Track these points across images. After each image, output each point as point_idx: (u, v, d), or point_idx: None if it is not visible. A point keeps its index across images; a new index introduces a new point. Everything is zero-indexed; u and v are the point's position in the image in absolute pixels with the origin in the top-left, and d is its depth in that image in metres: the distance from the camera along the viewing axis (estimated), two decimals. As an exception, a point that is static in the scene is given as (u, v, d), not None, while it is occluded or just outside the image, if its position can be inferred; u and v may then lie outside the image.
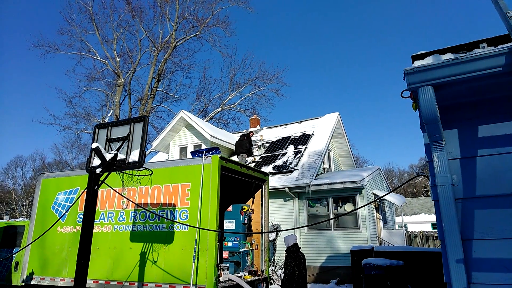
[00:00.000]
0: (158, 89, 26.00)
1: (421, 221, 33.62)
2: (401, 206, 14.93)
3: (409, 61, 2.89)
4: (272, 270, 12.29)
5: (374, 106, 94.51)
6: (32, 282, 8.16)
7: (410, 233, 21.25)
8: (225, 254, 8.48)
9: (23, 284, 8.31)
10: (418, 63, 2.74)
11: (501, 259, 2.48)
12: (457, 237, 2.53)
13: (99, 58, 25.46)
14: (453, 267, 2.50)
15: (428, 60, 2.72)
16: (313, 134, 16.66)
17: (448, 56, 2.66)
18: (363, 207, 12.32)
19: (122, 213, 7.73)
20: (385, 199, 14.43)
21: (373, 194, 13.67)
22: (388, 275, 8.36)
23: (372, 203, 13.58)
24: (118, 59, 25.34)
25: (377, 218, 13.85)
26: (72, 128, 27.32)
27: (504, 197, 2.56)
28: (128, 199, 7.36)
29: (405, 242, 15.96)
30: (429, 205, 36.38)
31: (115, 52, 25.48)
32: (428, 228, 31.09)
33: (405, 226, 30.06)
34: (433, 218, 32.77)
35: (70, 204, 8.09)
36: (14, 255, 9.00)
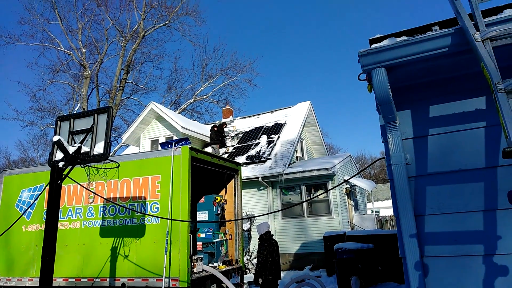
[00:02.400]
0: (127, 81, 25.33)
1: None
2: (371, 191, 15.38)
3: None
4: (247, 259, 12.41)
5: (346, 94, 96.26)
6: (-2, 283, 7.89)
7: (381, 217, 21.98)
8: (199, 245, 8.47)
9: (-12, 286, 8.01)
10: (374, 46, 2.80)
11: (451, 232, 2.61)
12: (410, 213, 2.65)
13: (64, 49, 24.49)
14: (407, 242, 2.62)
15: (384, 43, 2.79)
16: (285, 123, 16.80)
17: (402, 38, 2.74)
18: (333, 190, 12.61)
19: (90, 209, 7.55)
20: (356, 185, 14.81)
21: (344, 180, 13.99)
22: (359, 258, 8.63)
23: (344, 190, 13.91)
24: (84, 50, 24.46)
25: (349, 204, 14.22)
26: (37, 123, 26.30)
27: (453, 173, 2.69)
28: (94, 193, 7.20)
29: (376, 226, 16.50)
30: (400, 190, 37.60)
31: (80, 42, 24.56)
32: (399, 212, 32.18)
33: (377, 211, 31.00)
34: (403, 202, 33.94)
35: (34, 201, 7.82)
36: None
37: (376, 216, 19.52)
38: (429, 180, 2.73)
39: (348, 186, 14.28)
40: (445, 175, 2.69)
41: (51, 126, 25.83)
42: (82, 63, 24.29)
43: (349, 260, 8.65)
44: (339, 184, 8.41)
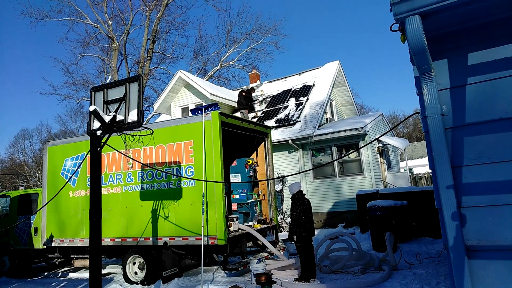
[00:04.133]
0: (154, 51, 25.44)
1: (427, 164, 33.84)
2: (404, 149, 15.04)
3: None
4: (280, 218, 12.76)
5: (376, 53, 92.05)
6: (53, 244, 8.63)
7: (415, 175, 21.61)
8: (234, 206, 8.78)
9: (45, 246, 8.79)
10: (407, -7, 2.65)
11: (489, 182, 2.56)
12: (447, 165, 2.60)
13: (91, 23, 24.75)
14: (444, 193, 2.60)
15: None
16: (314, 85, 16.46)
17: None
18: (365, 149, 12.47)
19: (129, 174, 7.95)
20: (388, 144, 14.53)
21: (376, 138, 13.74)
22: (392, 215, 8.64)
23: (376, 149, 13.70)
24: (110, 22, 24.61)
25: (381, 162, 14.04)
26: (73, 97, 27.26)
27: (493, 122, 2.59)
28: (132, 158, 7.54)
29: (410, 184, 16.28)
30: (434, 147, 36.50)
31: (106, 15, 24.68)
32: (433, 170, 31.43)
33: (411, 170, 30.41)
34: (438, 160, 33.00)
35: (76, 169, 8.32)
36: (32, 221, 9.43)
37: (410, 174, 19.21)
38: (467, 130, 2.65)
39: (380, 145, 14.04)
40: (484, 124, 2.60)
41: (86, 99, 26.75)
42: (110, 35, 24.53)
43: (382, 217, 8.68)
44: (371, 142, 8.29)
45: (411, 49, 2.57)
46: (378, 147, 13.91)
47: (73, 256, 8.71)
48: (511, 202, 2.51)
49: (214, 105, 7.62)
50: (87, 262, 8.53)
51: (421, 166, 33.67)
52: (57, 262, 9.28)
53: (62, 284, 8.25)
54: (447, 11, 2.52)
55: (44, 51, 70.59)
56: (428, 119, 2.69)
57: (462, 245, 2.50)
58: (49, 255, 9.00)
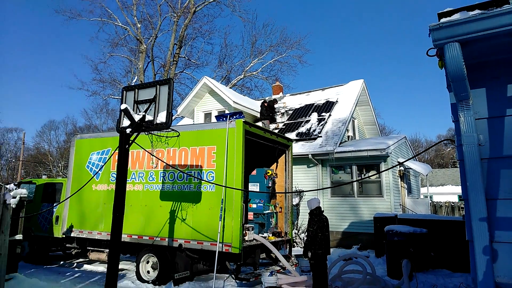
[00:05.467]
0: (180, 56, 26.00)
1: (448, 192, 33.05)
2: (426, 175, 14.72)
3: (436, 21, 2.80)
4: (295, 233, 12.64)
5: (401, 74, 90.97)
6: (72, 234, 8.84)
7: (435, 203, 21.04)
8: (250, 215, 8.79)
9: (64, 236, 9.01)
10: (446, 19, 2.65)
11: (524, 217, 2.49)
12: (481, 196, 2.55)
13: (120, 24, 25.57)
14: (476, 225, 2.54)
15: (455, 17, 2.64)
16: (337, 101, 16.41)
17: (476, 12, 2.57)
18: (386, 171, 12.27)
19: (151, 173, 8.09)
20: (410, 168, 14.27)
21: (398, 163, 13.52)
22: (410, 242, 8.43)
23: (397, 172, 13.47)
24: (139, 25, 25.37)
25: (401, 186, 13.78)
26: (100, 94, 28.08)
27: (533, 156, 2.53)
28: (158, 158, 7.68)
29: (430, 212, 15.87)
30: (456, 176, 35.52)
31: (135, 18, 25.49)
32: (454, 199, 30.58)
33: (431, 197, 29.66)
34: (459, 189, 32.09)
35: (103, 163, 8.53)
36: (54, 210, 9.69)
37: (430, 201, 18.73)
38: (503, 162, 2.60)
39: (402, 168, 13.80)
40: (522, 158, 2.55)
41: (112, 97, 27.51)
42: (138, 37, 25.27)
43: (400, 243, 8.49)
44: (394, 166, 8.17)
45: (449, 75, 2.56)
46: (400, 171, 13.67)
47: (89, 248, 8.89)
48: (546, 240, 2.44)
49: (239, 113, 7.71)
50: (102, 256, 8.67)
51: (441, 194, 32.81)
52: (73, 253, 9.47)
53: (76, 275, 8.40)
54: (486, 40, 2.51)
55: (75, 49, 73.33)
56: (464, 148, 2.66)
57: (491, 281, 2.43)
58: (67, 245, 9.22)
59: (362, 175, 13.09)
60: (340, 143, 13.64)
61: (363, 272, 7.15)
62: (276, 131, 15.90)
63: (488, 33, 2.46)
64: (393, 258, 8.45)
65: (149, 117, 5.19)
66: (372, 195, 12.69)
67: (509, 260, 2.49)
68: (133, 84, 26.14)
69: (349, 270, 7.70)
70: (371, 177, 12.81)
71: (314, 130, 14.79)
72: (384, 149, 12.26)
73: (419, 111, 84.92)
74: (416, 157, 19.96)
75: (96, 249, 8.78)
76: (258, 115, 16.39)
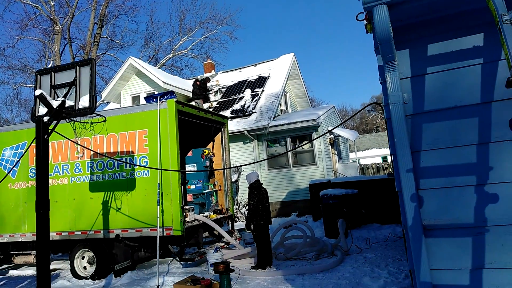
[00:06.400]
0: (102, 36, 24.04)
1: (373, 155, 35.96)
2: (354, 140, 15.73)
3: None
4: (236, 209, 12.78)
5: (327, 46, 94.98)
6: (-10, 240, 7.90)
7: (363, 165, 22.74)
8: (189, 197, 8.63)
9: (-20, 243, 8.02)
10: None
11: (444, 165, 2.74)
12: (407, 149, 2.74)
13: (30, 3, 22.76)
14: (404, 176, 2.74)
15: None
16: (269, 76, 16.58)
17: None
18: (317, 140, 12.86)
19: (77, 165, 7.47)
20: (339, 135, 15.10)
21: (328, 130, 14.22)
22: (343, 203, 9.02)
23: (328, 140, 14.17)
24: (52, 3, 22.78)
25: (332, 153, 14.56)
26: (9, 83, 25.18)
27: (449, 110, 2.77)
28: (84, 146, 7.08)
29: (359, 174, 17.10)
30: (379, 140, 38.73)
31: (48, -5, 22.86)
32: (379, 160, 33.39)
33: (359, 160, 31.98)
34: (383, 152, 35.13)
35: (19, 159, 7.65)
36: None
37: (358, 165, 20.17)
38: (425, 117, 2.81)
39: (332, 136, 14.54)
40: (441, 112, 2.77)
41: (24, 85, 24.73)
42: (52, 17, 22.72)
43: (334, 205, 9.03)
44: (324, 134, 8.55)
45: (377, 37, 2.65)
46: (330, 138, 14.39)
47: (13, 252, 8.04)
48: (462, 184, 2.71)
49: (170, 93, 7.37)
50: (29, 258, 7.92)
51: (368, 157, 35.55)
52: (-6, 260, 8.50)
53: (1, 283, 7.59)
54: (412, 2, 2.63)
55: (-27, 31, 63.66)
56: (391, 106, 2.81)
57: (419, 224, 2.66)
58: (-15, 253, 8.23)
59: (296, 146, 13.55)
60: (274, 117, 13.89)
61: (303, 236, 7.51)
62: (211, 109, 15.65)
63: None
64: (329, 220, 8.99)
65: (69, 103, 4.68)
66: (306, 164, 13.24)
67: (432, 204, 2.74)
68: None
69: (290, 236, 8.05)
70: (304, 147, 13.32)
71: (249, 107, 14.83)
72: (315, 119, 12.76)
73: (345, 82, 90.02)
74: (344, 124, 21.18)
75: (21, 252, 7.97)
76: (191, 94, 15.93)
